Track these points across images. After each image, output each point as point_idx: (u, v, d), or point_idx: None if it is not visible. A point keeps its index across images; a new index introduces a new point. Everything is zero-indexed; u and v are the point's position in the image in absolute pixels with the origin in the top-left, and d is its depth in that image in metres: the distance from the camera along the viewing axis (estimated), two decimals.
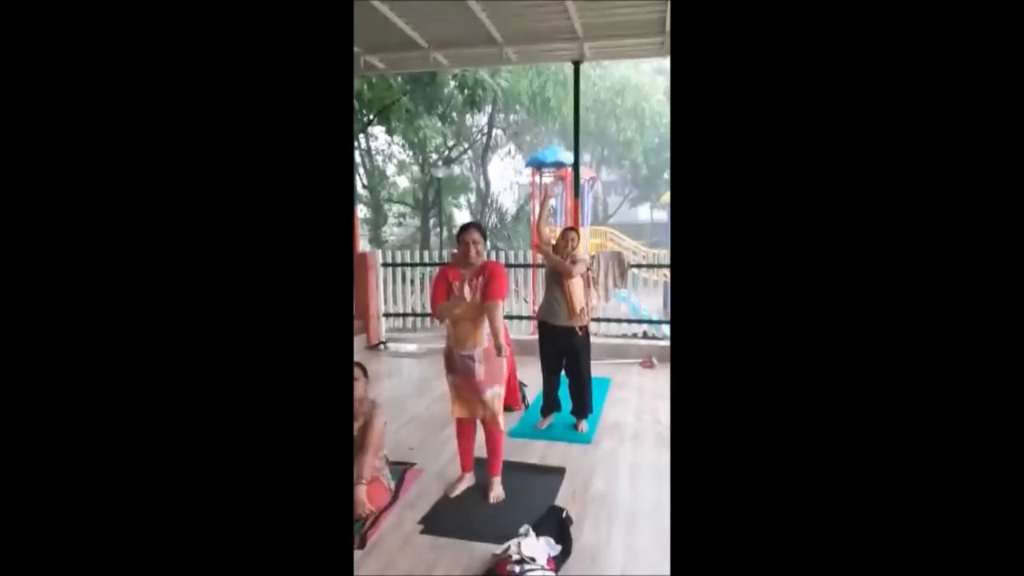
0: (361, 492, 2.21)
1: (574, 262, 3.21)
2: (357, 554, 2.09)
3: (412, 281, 6.17)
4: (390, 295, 6.10)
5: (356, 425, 2.36)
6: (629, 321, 5.65)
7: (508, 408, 2.59)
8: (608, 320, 5.55)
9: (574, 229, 3.41)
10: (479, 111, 13.95)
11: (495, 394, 2.46)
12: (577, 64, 5.22)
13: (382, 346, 5.78)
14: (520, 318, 5.65)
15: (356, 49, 5.44)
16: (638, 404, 3.83)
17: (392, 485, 2.50)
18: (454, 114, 13.34)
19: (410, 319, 6.26)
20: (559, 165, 8.49)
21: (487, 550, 2.05)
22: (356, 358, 2.60)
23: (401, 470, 2.72)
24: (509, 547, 1.95)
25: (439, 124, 12.05)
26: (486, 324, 2.36)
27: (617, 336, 5.41)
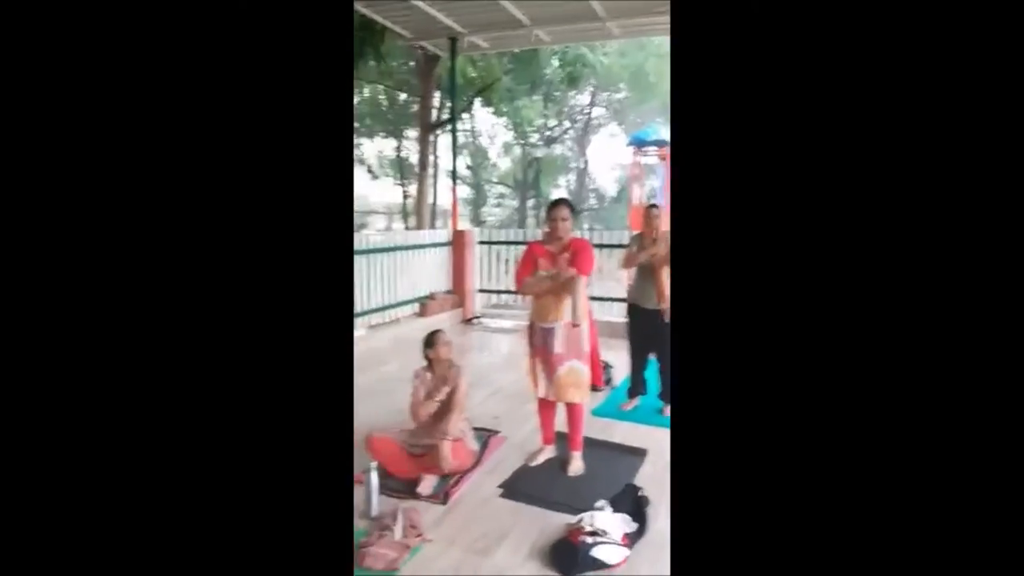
0: (446, 448, 2.34)
1: (655, 241, 3.15)
2: (439, 509, 2.23)
3: (507, 260, 6.30)
4: (486, 273, 6.27)
5: (444, 389, 2.49)
6: None
7: (592, 388, 2.62)
8: None
9: (655, 206, 3.31)
10: (581, 90, 13.72)
11: (572, 368, 2.47)
12: None
13: (475, 321, 5.98)
14: (612, 300, 5.58)
15: (460, 29, 5.57)
16: None
17: (476, 448, 2.61)
18: (556, 94, 13.25)
19: (504, 296, 6.40)
20: (661, 144, 8.17)
21: (562, 519, 2.10)
22: (450, 332, 2.73)
23: (486, 436, 2.83)
24: (583, 518, 1.98)
25: (541, 104, 12.02)
26: (569, 299, 2.38)
27: None
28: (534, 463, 2.61)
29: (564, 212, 2.46)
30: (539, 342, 2.52)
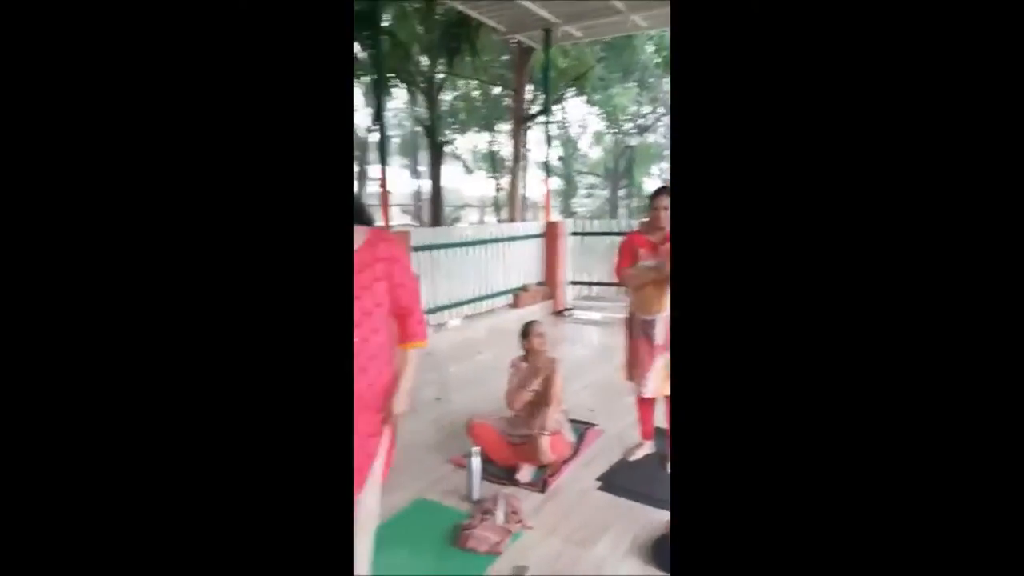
0: (545, 442, 2.37)
1: None
2: (538, 497, 2.26)
3: (598, 253, 6.23)
4: (577, 264, 6.24)
5: (537, 380, 2.51)
6: None
7: None
8: None
9: None
10: None
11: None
12: None
13: (567, 313, 5.97)
14: None
15: (554, 20, 5.54)
16: None
17: (573, 440, 2.61)
18: (651, 80, 12.85)
19: (595, 288, 6.34)
20: None
21: (662, 516, 2.05)
22: (543, 323, 2.76)
23: (582, 428, 2.83)
24: None
25: (634, 91, 11.71)
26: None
27: None
28: (633, 458, 2.57)
29: (667, 201, 2.38)
30: (639, 334, 2.47)
